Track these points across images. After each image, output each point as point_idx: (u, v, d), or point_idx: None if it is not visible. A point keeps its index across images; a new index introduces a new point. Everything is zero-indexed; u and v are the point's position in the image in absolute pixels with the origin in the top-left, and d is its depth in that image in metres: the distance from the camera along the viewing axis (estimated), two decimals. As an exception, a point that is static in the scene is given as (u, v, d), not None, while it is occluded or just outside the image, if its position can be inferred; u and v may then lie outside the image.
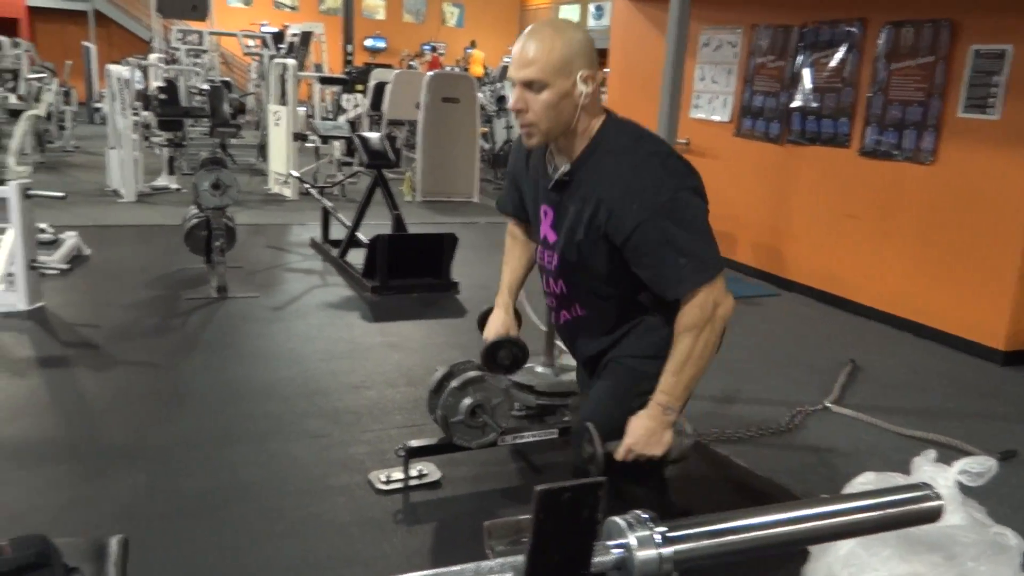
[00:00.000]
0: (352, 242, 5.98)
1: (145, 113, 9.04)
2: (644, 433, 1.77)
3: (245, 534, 2.55)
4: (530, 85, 1.70)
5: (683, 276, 1.72)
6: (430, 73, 9.73)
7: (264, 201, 8.50)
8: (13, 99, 10.18)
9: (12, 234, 4.55)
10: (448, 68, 18.65)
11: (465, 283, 5.54)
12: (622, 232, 1.74)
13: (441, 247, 5.48)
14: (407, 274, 5.40)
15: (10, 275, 4.64)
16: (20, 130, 8.65)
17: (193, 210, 5.56)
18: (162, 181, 8.86)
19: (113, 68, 8.48)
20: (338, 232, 6.37)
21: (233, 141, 11.32)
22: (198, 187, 5.12)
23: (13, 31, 18.17)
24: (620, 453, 1.80)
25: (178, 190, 8.78)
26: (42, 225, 5.50)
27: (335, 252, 6.14)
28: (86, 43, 16.39)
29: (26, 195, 4.52)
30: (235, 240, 5.44)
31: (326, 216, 6.61)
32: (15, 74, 10.43)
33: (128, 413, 3.39)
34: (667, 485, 2.10)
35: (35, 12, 21.49)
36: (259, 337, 4.44)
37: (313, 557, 2.45)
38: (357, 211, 6.02)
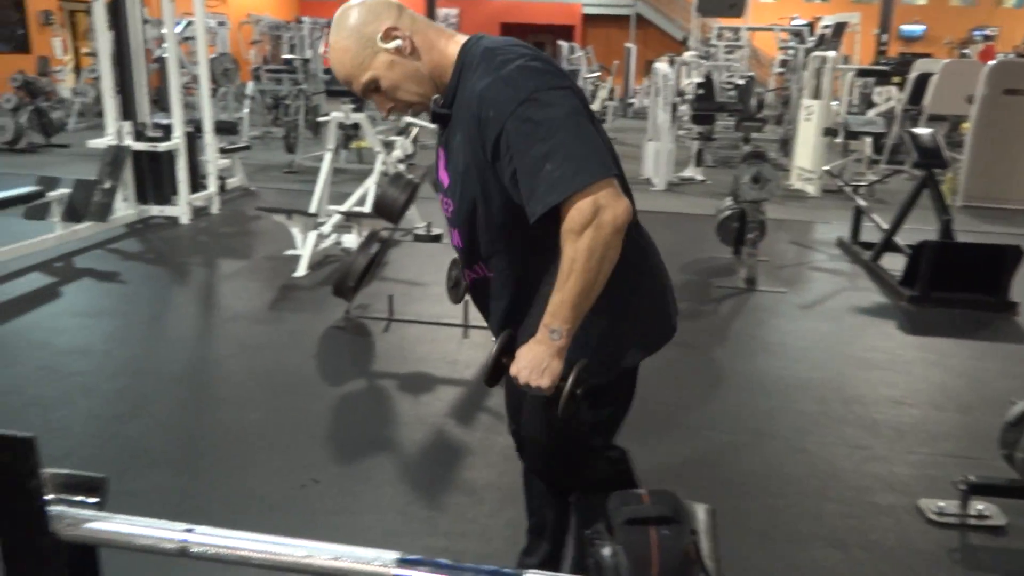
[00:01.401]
0: (888, 245, 5.57)
1: (682, 107, 9.59)
2: (528, 361, 1.46)
3: (782, 531, 2.54)
4: (368, 89, 1.55)
5: (552, 184, 1.37)
6: (991, 63, 8.54)
7: (786, 196, 8.40)
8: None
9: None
10: (1004, 55, 16.23)
11: (1028, 304, 4.76)
12: (488, 148, 1.46)
13: (1001, 261, 4.78)
14: (954, 287, 4.84)
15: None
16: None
17: (729, 201, 5.73)
18: (689, 172, 9.35)
19: (659, 66, 9.14)
20: (869, 234, 5.99)
21: (754, 135, 11.45)
22: (738, 179, 5.25)
23: (569, 36, 20.88)
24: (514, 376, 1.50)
25: (703, 181, 9.19)
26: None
27: (866, 255, 5.79)
28: (628, 44, 18.05)
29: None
30: (765, 234, 5.46)
31: (858, 216, 6.26)
32: (574, 74, 11.94)
33: (668, 389, 3.62)
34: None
35: (587, 19, 24.40)
36: (787, 333, 4.40)
37: (861, 575, 2.33)
38: (899, 213, 5.56)
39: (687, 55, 12.61)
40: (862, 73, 11.48)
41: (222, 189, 7.22)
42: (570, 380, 1.44)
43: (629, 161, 10.37)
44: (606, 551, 1.43)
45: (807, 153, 8.67)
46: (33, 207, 5.44)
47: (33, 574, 0.78)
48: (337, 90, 7.52)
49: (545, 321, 1.45)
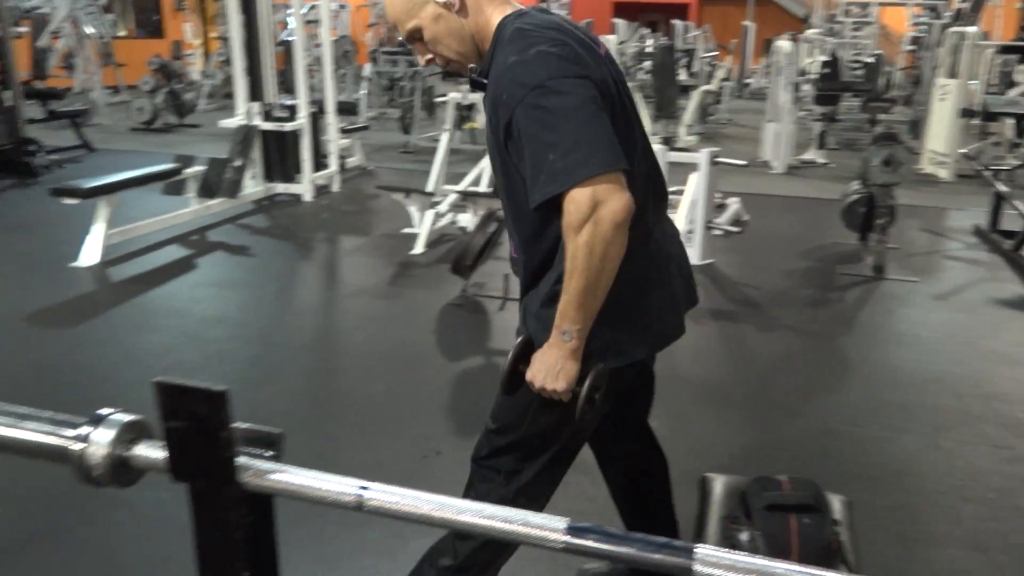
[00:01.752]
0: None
1: (804, 87, 9.22)
2: (542, 365, 1.42)
3: (917, 530, 2.42)
4: (412, 37, 1.55)
5: (553, 174, 1.32)
6: None
7: (916, 181, 7.97)
8: (684, 76, 11.45)
9: (698, 196, 5.09)
10: None
11: None
12: (500, 130, 1.42)
13: None
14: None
15: (689, 232, 5.24)
16: (693, 103, 9.68)
17: (856, 185, 5.48)
18: (810, 155, 8.99)
19: (781, 44, 8.81)
20: (1011, 222, 5.62)
21: (881, 116, 10.90)
22: (868, 162, 5.01)
23: (684, 15, 20.38)
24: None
25: (825, 164, 8.82)
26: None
27: (1007, 244, 5.43)
28: (746, 22, 17.47)
29: (713, 161, 5.00)
30: (895, 219, 5.20)
31: (998, 202, 5.87)
32: (690, 54, 11.67)
33: (792, 375, 3.52)
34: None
35: (703, -3, 23.73)
36: (919, 324, 4.18)
37: (1003, 579, 2.20)
38: (1046, 200, 5.20)
39: (810, 32, 12.11)
40: (1004, 50, 10.72)
41: (342, 168, 7.45)
42: (587, 383, 1.39)
43: (746, 143, 10.11)
44: (743, 535, 1.40)
45: (940, 135, 8.18)
46: (171, 183, 5.76)
47: (218, 520, 0.82)
48: (453, 71, 7.60)
49: (556, 323, 1.40)
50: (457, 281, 4.39)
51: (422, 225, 5.40)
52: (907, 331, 4.10)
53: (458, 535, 1.59)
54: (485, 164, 5.98)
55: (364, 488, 0.81)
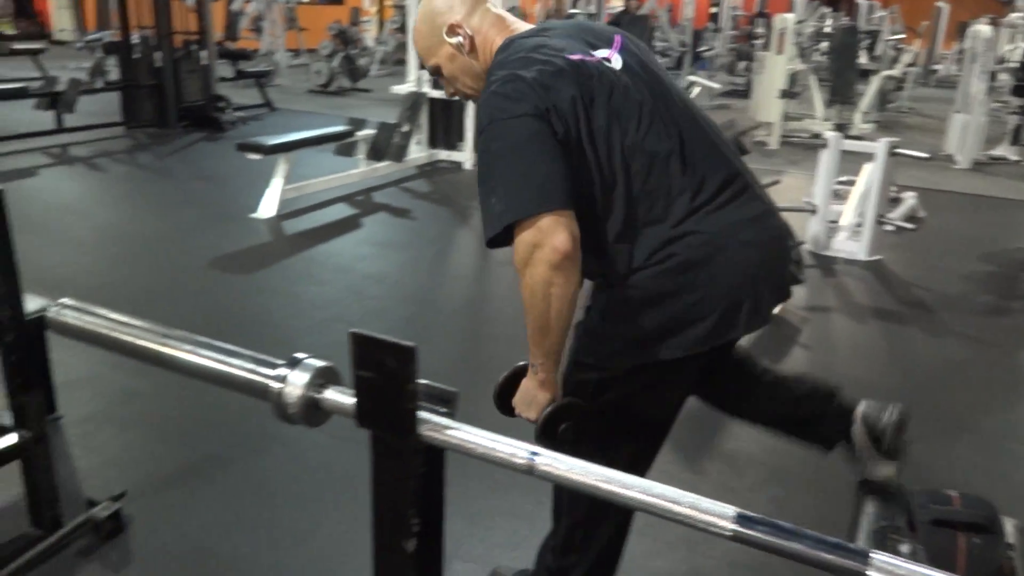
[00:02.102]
0: None
1: (1002, 77, 8.47)
2: (520, 394, 1.50)
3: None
4: (436, 73, 1.63)
5: (492, 217, 1.38)
6: None
7: None
8: (865, 59, 10.77)
9: (871, 188, 4.82)
10: None
11: None
12: None
13: None
14: None
15: (858, 225, 4.97)
16: (872, 89, 9.11)
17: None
18: (1001, 150, 8.27)
19: (980, 28, 8.11)
20: None
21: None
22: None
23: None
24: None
25: (1017, 162, 8.09)
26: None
27: None
28: (939, 3, 16.18)
29: (892, 152, 4.71)
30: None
31: None
32: (873, 35, 10.95)
33: (964, 387, 3.29)
34: None
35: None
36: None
37: None
38: None
39: (1014, 16, 11.07)
40: None
41: (502, 138, 7.56)
42: (543, 415, 1.42)
43: (928, 134, 9.43)
44: (904, 548, 1.34)
45: None
46: (343, 145, 6.06)
47: (396, 467, 0.88)
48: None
49: (530, 353, 1.46)
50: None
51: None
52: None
53: (574, 526, 1.66)
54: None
55: (535, 454, 0.84)
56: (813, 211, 4.90)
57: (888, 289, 4.44)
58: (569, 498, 1.66)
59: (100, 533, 2.09)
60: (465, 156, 6.96)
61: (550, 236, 1.33)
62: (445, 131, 6.98)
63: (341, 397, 0.84)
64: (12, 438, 1.96)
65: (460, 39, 1.55)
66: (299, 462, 2.50)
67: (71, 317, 0.97)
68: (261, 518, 2.23)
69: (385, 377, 0.82)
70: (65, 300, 0.99)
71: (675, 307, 1.43)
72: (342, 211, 5.52)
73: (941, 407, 3.11)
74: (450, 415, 0.91)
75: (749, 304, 1.45)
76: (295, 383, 0.82)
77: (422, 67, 6.82)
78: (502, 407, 1.56)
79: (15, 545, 2.01)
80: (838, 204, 5.11)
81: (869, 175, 5.00)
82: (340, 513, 2.24)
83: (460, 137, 6.95)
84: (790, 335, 3.67)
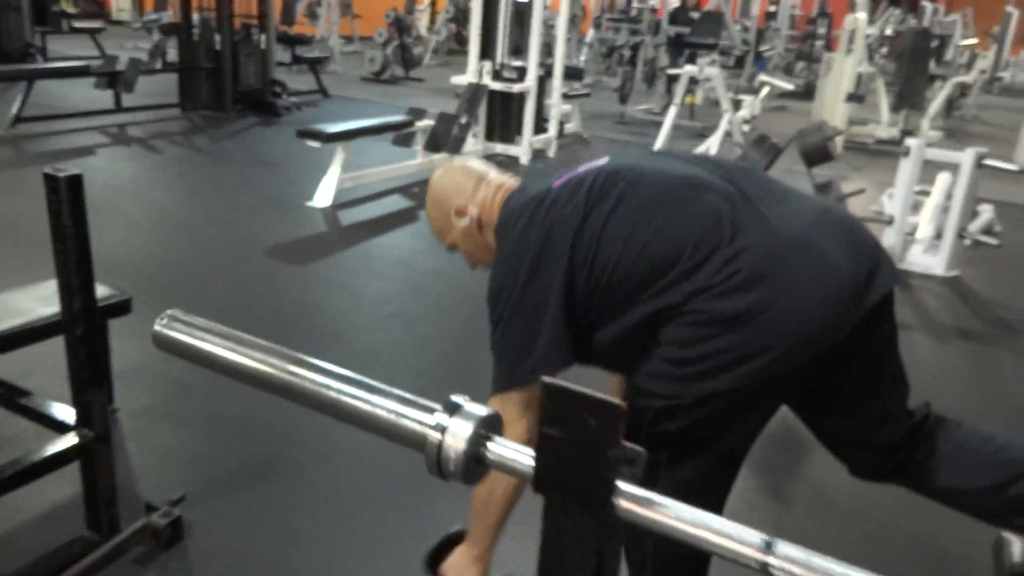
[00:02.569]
0: None
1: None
2: (454, 563, 1.51)
3: None
4: (454, 249, 1.71)
5: (495, 374, 1.45)
6: None
7: None
8: (932, 64, 10.40)
9: (955, 199, 4.58)
10: None
11: None
12: None
13: None
14: None
15: (936, 238, 4.74)
16: (942, 95, 8.77)
17: None
18: (1079, 164, 7.90)
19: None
20: None
21: None
22: None
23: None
24: None
25: (1097, 177, 7.72)
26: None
27: None
28: (1009, 8, 15.62)
29: (979, 164, 4.47)
30: None
31: None
32: (942, 40, 10.58)
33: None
34: None
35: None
36: None
37: None
38: None
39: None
40: None
41: (560, 134, 7.41)
42: None
43: (995, 144, 9.05)
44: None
45: None
46: (401, 135, 5.96)
47: (579, 545, 0.72)
48: (692, 42, 7.31)
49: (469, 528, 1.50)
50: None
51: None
52: None
53: None
54: (710, 142, 5.71)
55: (769, 544, 0.66)
56: (889, 222, 4.68)
57: (970, 308, 4.21)
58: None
59: (160, 540, 1.99)
60: (522, 151, 6.82)
61: (510, 428, 1.28)
62: (503, 124, 6.84)
63: (516, 455, 0.71)
64: (74, 438, 1.88)
65: (468, 220, 1.60)
66: (365, 466, 2.39)
67: (181, 332, 0.85)
68: (326, 527, 2.12)
69: (581, 438, 0.67)
70: (174, 312, 0.87)
71: (748, 326, 1.32)
72: (398, 203, 5.42)
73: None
74: (636, 477, 0.75)
75: (831, 304, 1.33)
76: (458, 434, 0.69)
77: (482, 57, 6.71)
78: (431, 568, 1.56)
79: (71, 550, 1.92)
80: (911, 215, 4.88)
81: (946, 185, 4.77)
82: (413, 524, 2.13)
83: (517, 131, 6.82)
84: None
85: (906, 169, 4.60)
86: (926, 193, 4.96)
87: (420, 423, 0.73)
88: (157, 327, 0.88)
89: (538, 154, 7.05)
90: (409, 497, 2.24)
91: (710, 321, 1.31)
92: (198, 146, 6.76)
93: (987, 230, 5.38)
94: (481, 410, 0.73)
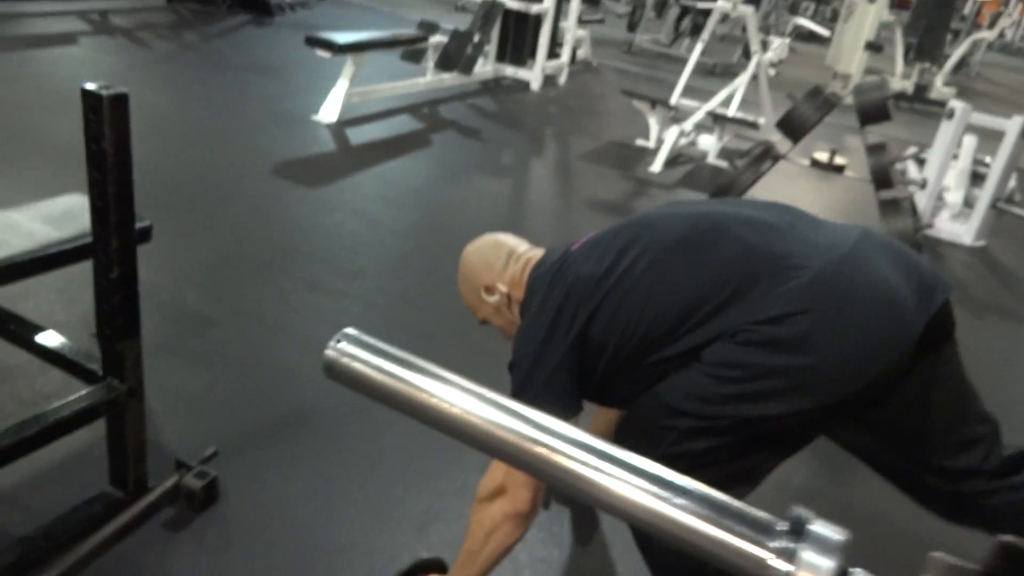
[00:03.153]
0: None
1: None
2: None
3: None
4: (484, 323, 1.69)
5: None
6: None
7: None
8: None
9: (993, 167, 4.43)
10: None
11: None
12: None
13: None
14: None
15: (966, 206, 4.60)
16: (960, 51, 8.54)
17: None
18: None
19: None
20: None
21: None
22: None
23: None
24: None
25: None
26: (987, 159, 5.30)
27: None
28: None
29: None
30: None
31: None
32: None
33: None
34: None
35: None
36: None
37: None
38: None
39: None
40: None
41: (572, 60, 7.06)
42: None
43: (1002, 104, 8.90)
44: None
45: None
46: (411, 50, 5.59)
47: None
48: None
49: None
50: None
51: (665, 141, 5.00)
52: None
53: None
54: (738, 83, 5.44)
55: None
56: (922, 186, 4.52)
57: (1001, 281, 4.11)
58: None
59: (193, 503, 1.80)
60: (534, 75, 6.48)
61: (517, 491, 1.38)
62: (515, 46, 6.47)
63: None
64: (104, 391, 1.65)
65: (497, 298, 1.59)
66: (411, 431, 2.20)
67: (361, 363, 0.63)
68: (370, 496, 1.94)
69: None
70: (349, 330, 0.65)
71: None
72: (408, 124, 5.10)
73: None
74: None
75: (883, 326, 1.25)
76: (814, 567, 0.49)
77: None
78: None
79: (93, 508, 1.72)
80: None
81: (972, 149, 4.62)
82: (466, 500, 1.96)
83: (530, 54, 6.46)
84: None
85: (947, 132, 4.41)
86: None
87: (755, 542, 0.53)
88: (330, 354, 0.66)
89: (548, 80, 6.71)
90: (469, 466, 2.06)
91: (764, 342, 1.24)
92: (188, 43, 6.29)
93: (1009, 199, 5.26)
94: (834, 534, 0.53)
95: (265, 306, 2.70)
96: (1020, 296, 3.96)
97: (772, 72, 6.04)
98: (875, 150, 3.63)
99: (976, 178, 4.97)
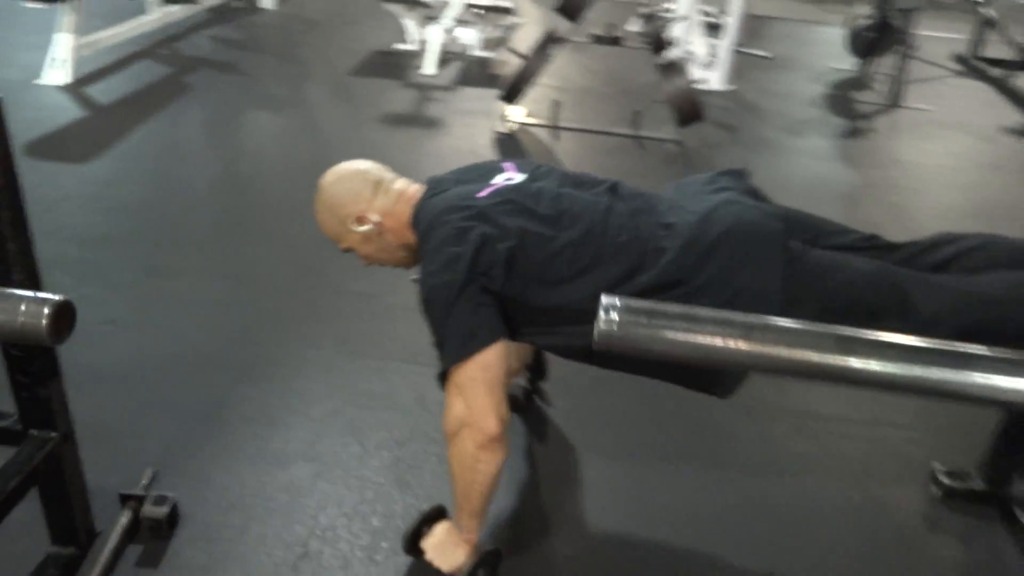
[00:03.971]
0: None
1: None
2: (438, 541, 1.59)
3: None
4: (349, 251, 1.70)
5: (445, 359, 1.45)
6: None
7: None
8: None
9: (730, 16, 4.88)
10: None
11: None
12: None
13: None
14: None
15: (712, 56, 5.07)
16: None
17: (867, 8, 5.42)
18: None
19: None
20: (999, 49, 5.80)
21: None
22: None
23: None
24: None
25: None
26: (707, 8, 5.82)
27: (998, 72, 5.61)
28: None
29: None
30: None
31: (984, 28, 6.01)
32: None
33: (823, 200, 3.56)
34: None
35: None
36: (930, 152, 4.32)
37: None
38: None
39: None
40: None
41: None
42: (466, 570, 1.51)
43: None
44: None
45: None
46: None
47: None
48: None
49: (455, 514, 1.56)
50: (487, 106, 4.12)
51: (430, 42, 4.93)
52: (908, 157, 4.22)
53: None
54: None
55: None
56: (671, 43, 4.89)
57: (756, 117, 4.63)
58: None
59: (160, 531, 1.65)
60: (266, -8, 6.02)
61: (480, 419, 1.40)
62: (236, -37, 5.94)
63: None
64: (33, 447, 1.44)
65: (370, 226, 1.60)
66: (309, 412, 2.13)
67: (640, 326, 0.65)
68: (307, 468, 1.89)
69: None
70: (613, 300, 0.67)
71: None
72: (155, 69, 4.57)
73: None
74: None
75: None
76: None
77: None
78: (410, 547, 1.60)
79: (47, 574, 1.53)
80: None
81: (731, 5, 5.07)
82: (404, 508, 1.96)
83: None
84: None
85: (688, -11, 4.77)
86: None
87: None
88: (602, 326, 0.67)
89: (280, -4, 6.26)
90: (402, 468, 2.05)
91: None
92: None
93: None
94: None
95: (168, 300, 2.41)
96: (773, 127, 4.49)
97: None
98: (650, 17, 3.87)
99: (712, 28, 5.47)
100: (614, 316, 0.68)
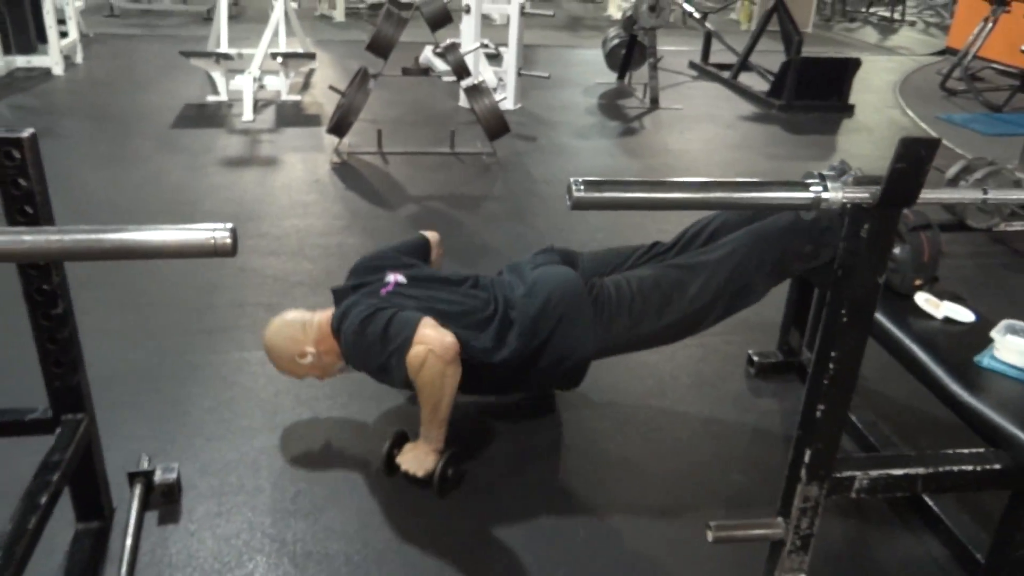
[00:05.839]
0: (745, 66, 6.62)
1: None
2: (412, 456, 2.02)
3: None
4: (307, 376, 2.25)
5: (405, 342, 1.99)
6: None
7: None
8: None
9: (510, 45, 5.61)
10: None
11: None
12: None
13: (845, 71, 5.97)
14: (810, 95, 5.97)
15: (501, 80, 5.77)
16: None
17: (615, 31, 6.39)
18: None
19: None
20: (720, 56, 7.04)
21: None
22: (637, 7, 5.89)
23: None
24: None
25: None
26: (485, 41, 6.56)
27: (725, 74, 6.80)
28: None
29: (522, 12, 5.51)
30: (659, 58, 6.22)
31: (708, 40, 7.24)
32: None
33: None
34: None
35: None
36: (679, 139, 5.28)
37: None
38: (753, 37, 6.60)
39: None
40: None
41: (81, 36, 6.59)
42: (439, 468, 1.97)
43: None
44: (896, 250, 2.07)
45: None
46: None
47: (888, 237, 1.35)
48: None
49: (421, 432, 2.00)
50: (315, 142, 4.53)
51: (243, 91, 5.21)
52: (675, 146, 5.17)
53: None
54: (274, 20, 5.79)
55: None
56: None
57: (547, 127, 5.35)
58: None
59: (174, 495, 1.94)
60: (53, 59, 5.95)
61: (437, 342, 1.86)
62: (18, 32, 5.85)
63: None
64: (70, 431, 1.71)
65: (310, 357, 2.11)
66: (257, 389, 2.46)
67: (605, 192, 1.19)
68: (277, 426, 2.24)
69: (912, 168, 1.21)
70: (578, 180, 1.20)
71: None
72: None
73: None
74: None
75: None
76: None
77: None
78: (388, 468, 2.03)
79: (84, 545, 1.79)
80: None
81: (511, 37, 5.77)
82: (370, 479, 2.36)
83: (41, 37, 5.91)
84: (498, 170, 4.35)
85: (470, 25, 5.43)
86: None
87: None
88: (576, 194, 1.19)
89: (67, 61, 6.19)
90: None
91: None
92: None
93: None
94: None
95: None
96: (564, 133, 5.24)
97: (294, 4, 6.47)
98: (450, 49, 4.46)
99: (492, 58, 6.17)
100: (581, 187, 1.20)
